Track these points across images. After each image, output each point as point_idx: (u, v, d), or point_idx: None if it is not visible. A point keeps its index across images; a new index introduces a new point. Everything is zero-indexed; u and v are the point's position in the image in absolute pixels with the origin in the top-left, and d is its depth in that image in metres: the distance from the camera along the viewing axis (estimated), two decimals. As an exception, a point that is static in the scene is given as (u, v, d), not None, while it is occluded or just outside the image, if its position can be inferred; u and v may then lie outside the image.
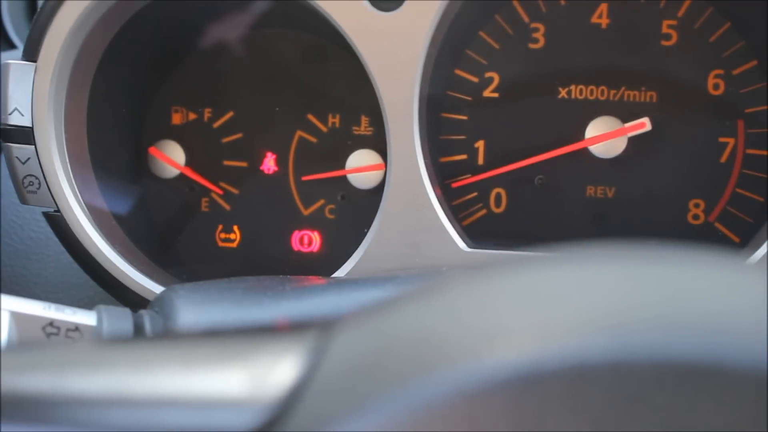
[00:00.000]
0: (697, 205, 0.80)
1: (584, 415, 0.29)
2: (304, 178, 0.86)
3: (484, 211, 0.83)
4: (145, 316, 0.57)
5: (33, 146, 0.75)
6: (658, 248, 0.32)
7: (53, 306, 0.56)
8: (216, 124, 0.87)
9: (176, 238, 0.88)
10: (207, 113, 0.87)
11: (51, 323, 0.56)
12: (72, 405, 0.34)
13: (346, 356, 0.33)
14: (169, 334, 0.52)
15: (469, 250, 0.75)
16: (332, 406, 0.32)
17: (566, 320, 0.29)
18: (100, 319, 0.56)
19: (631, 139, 0.79)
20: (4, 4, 1.07)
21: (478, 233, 0.82)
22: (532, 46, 0.82)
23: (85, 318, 0.56)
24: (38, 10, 0.75)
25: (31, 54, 0.75)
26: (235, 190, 0.87)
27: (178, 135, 0.88)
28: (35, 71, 0.74)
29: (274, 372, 0.34)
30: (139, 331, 0.56)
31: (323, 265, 0.83)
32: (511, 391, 0.29)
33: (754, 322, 0.28)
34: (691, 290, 0.29)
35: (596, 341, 0.28)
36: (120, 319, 0.56)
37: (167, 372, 0.35)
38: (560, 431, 0.29)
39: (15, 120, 0.75)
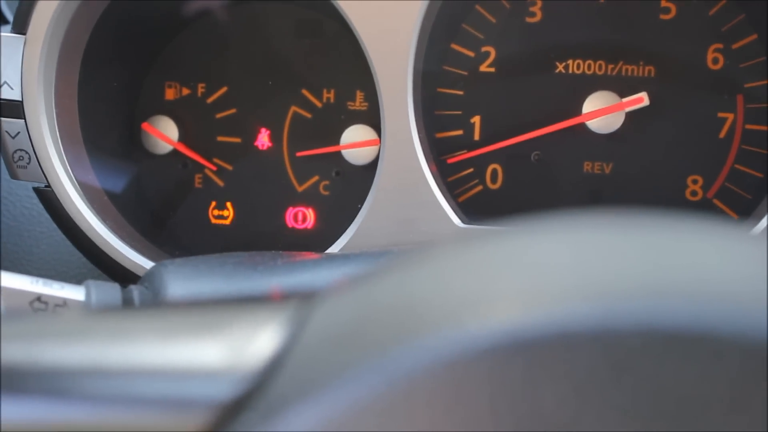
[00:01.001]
0: (695, 181, 0.80)
1: (568, 384, 0.28)
2: (299, 154, 0.85)
3: (480, 187, 0.82)
4: (135, 291, 0.57)
5: (23, 120, 0.75)
6: (644, 215, 0.31)
7: (41, 281, 0.56)
8: (210, 100, 0.86)
9: (169, 215, 0.87)
10: (201, 88, 0.86)
11: (39, 298, 0.55)
12: (49, 375, 0.34)
13: (327, 325, 0.32)
14: (150, 305, 0.52)
15: (464, 226, 0.75)
16: (312, 375, 0.31)
17: (549, 287, 0.28)
18: (88, 294, 0.55)
19: (628, 115, 0.78)
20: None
21: (473, 209, 0.81)
22: (529, 20, 0.80)
23: (74, 293, 0.56)
24: (28, -18, 0.74)
25: (20, 26, 0.74)
26: (228, 166, 0.86)
27: (172, 110, 0.87)
28: (24, 44, 0.73)
29: (254, 342, 0.33)
30: (127, 306, 0.55)
31: (317, 241, 0.82)
32: (493, 359, 0.28)
33: (741, 288, 0.27)
34: (676, 256, 0.29)
35: (580, 308, 0.27)
36: (109, 293, 0.56)
37: (145, 341, 0.34)
38: (544, 400, 0.29)
39: (4, 94, 0.74)
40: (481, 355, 0.28)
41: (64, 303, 0.55)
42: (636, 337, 0.27)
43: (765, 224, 0.71)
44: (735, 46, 0.78)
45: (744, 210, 0.79)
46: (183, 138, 0.86)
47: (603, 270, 0.28)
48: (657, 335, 0.27)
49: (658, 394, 0.28)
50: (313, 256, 0.66)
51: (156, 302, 0.54)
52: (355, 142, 0.83)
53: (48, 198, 0.76)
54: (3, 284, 0.55)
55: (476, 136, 0.82)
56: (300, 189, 0.85)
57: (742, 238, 0.30)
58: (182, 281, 0.57)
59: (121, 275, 0.77)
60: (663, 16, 0.78)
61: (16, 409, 0.34)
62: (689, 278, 0.28)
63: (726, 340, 0.27)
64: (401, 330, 0.29)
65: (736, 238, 0.30)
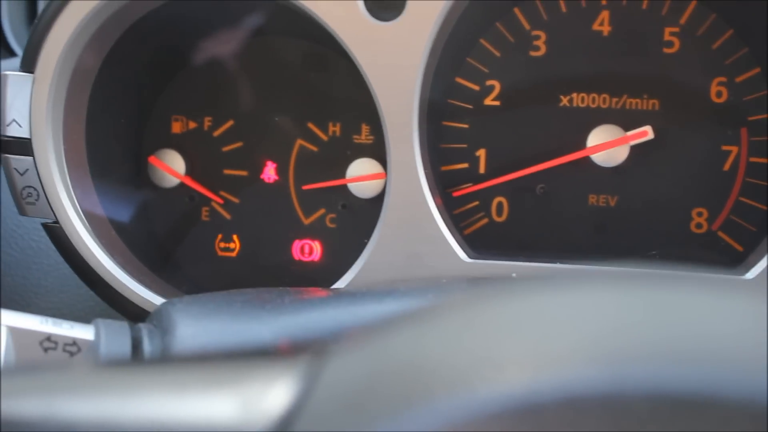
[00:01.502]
0: (700, 214, 0.80)
1: (578, 448, 0.28)
2: (305, 187, 0.85)
3: (485, 220, 0.83)
4: (143, 330, 0.57)
5: (31, 157, 0.75)
6: (655, 274, 0.32)
7: (51, 320, 0.56)
8: (216, 133, 0.87)
9: (176, 248, 0.88)
10: (207, 122, 0.87)
11: (48, 338, 0.55)
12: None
13: (338, 384, 0.32)
14: (162, 358, 0.52)
15: (469, 260, 0.75)
16: (324, 435, 0.31)
17: (559, 351, 0.29)
18: (97, 334, 0.56)
19: (633, 148, 0.79)
20: (4, 12, 1.07)
21: (479, 242, 0.81)
22: (533, 53, 0.81)
23: (83, 332, 0.56)
24: (36, 20, 0.75)
25: (28, 65, 0.74)
26: (235, 199, 0.87)
27: (178, 144, 0.87)
28: (33, 82, 0.74)
29: (265, 400, 0.33)
30: (136, 345, 0.55)
31: (324, 274, 0.83)
32: (502, 423, 0.29)
33: (750, 353, 0.28)
34: (684, 320, 0.29)
35: (588, 374, 0.28)
36: (117, 334, 0.56)
37: (158, 400, 0.34)
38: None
39: (13, 131, 0.75)
40: (490, 419, 0.29)
41: (73, 343, 0.56)
42: (644, 402, 0.28)
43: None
44: (738, 79, 0.78)
45: (749, 243, 0.79)
46: (190, 171, 0.87)
47: (611, 335, 0.29)
48: (665, 400, 0.28)
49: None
50: (321, 293, 0.66)
51: (165, 345, 0.54)
52: (361, 176, 0.83)
53: (56, 234, 0.77)
54: (13, 324, 0.55)
55: (481, 170, 0.82)
56: (306, 222, 0.86)
57: (747, 300, 0.30)
58: (191, 321, 0.57)
59: (130, 310, 0.77)
60: (666, 50, 0.79)
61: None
62: (696, 343, 0.28)
63: (733, 405, 0.27)
64: (411, 393, 0.30)
65: (741, 300, 0.30)
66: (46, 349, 0.56)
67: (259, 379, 0.34)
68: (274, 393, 0.34)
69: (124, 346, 0.55)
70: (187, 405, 0.34)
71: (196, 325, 0.57)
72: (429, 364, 0.30)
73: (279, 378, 0.34)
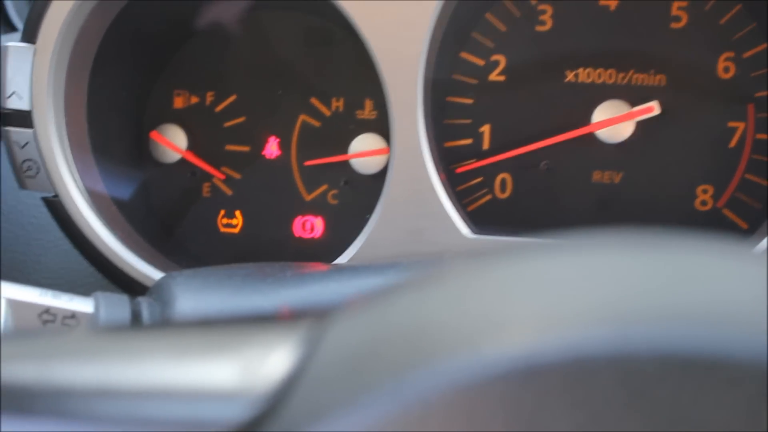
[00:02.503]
0: (705, 191, 0.79)
1: (584, 409, 0.28)
2: (307, 163, 0.85)
3: (489, 197, 0.82)
4: (143, 303, 0.56)
5: (32, 130, 0.74)
6: (662, 236, 0.31)
7: (50, 293, 0.56)
8: (218, 108, 0.86)
9: (178, 224, 0.87)
10: (209, 97, 0.86)
11: (47, 310, 0.55)
12: (59, 396, 0.34)
13: (340, 347, 0.32)
14: (162, 323, 0.51)
15: (472, 236, 0.74)
16: (325, 399, 0.31)
17: (565, 311, 0.28)
18: (97, 307, 0.55)
19: (638, 124, 0.78)
20: (5, -14, 1.06)
21: (482, 219, 0.80)
22: (539, 28, 0.80)
23: (82, 305, 0.56)
24: (37, -9, 0.74)
25: (30, 36, 0.74)
26: (237, 175, 0.86)
27: (180, 119, 0.87)
28: (34, 54, 0.73)
29: (266, 363, 0.33)
30: (136, 318, 0.55)
31: (326, 251, 0.82)
32: (508, 384, 0.28)
33: (759, 314, 0.27)
34: (695, 281, 0.28)
35: (596, 333, 0.27)
36: (117, 306, 0.56)
37: (156, 363, 0.34)
38: (559, 426, 0.28)
39: (13, 103, 0.74)
40: (496, 380, 0.28)
41: (72, 315, 0.55)
42: (653, 362, 0.27)
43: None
44: (746, 54, 0.77)
45: (754, 220, 0.78)
46: (191, 146, 0.86)
47: (620, 294, 0.28)
48: (674, 360, 0.27)
49: (674, 420, 0.27)
50: (322, 267, 0.66)
51: (165, 317, 0.54)
52: (364, 152, 0.83)
53: (56, 207, 0.76)
54: (12, 296, 0.55)
55: (485, 145, 0.81)
56: (308, 198, 0.85)
57: (761, 261, 0.29)
58: (191, 294, 0.57)
59: (130, 285, 0.77)
60: (674, 25, 0.78)
61: (23, 430, 0.33)
62: (708, 302, 0.28)
63: (744, 366, 0.27)
64: (415, 354, 0.29)
65: (755, 261, 0.29)
66: (44, 322, 0.55)
67: (259, 343, 0.34)
68: (275, 357, 0.33)
69: (124, 319, 0.55)
70: (187, 368, 0.33)
71: (196, 298, 0.56)
72: (432, 327, 0.30)
73: (280, 342, 0.34)
